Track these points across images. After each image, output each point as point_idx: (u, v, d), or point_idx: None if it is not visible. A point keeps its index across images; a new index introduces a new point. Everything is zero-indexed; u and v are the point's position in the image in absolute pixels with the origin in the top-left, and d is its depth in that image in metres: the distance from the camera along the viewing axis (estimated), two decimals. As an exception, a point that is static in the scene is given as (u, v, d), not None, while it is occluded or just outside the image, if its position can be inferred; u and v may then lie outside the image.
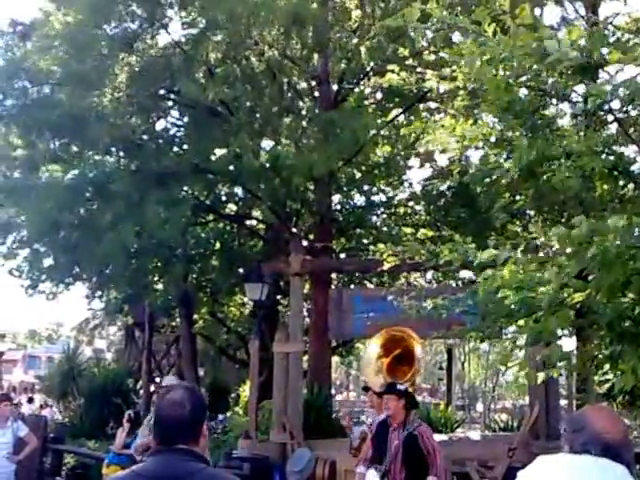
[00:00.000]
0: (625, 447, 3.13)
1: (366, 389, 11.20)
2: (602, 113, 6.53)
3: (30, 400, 33.37)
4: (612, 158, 6.00)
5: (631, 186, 6.90)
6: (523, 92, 6.69)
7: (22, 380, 61.77)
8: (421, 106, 19.05)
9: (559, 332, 6.64)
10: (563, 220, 8.06)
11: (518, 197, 8.76)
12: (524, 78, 6.28)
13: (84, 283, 21.42)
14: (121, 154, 18.47)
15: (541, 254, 5.73)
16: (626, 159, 6.38)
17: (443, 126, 7.51)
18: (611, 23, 6.42)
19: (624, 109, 6.34)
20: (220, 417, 20.63)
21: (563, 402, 16.32)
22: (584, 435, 3.14)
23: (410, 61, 16.37)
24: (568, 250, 5.41)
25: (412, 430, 7.67)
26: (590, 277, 5.45)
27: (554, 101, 7.20)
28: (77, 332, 55.81)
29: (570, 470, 3.12)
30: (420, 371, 12.19)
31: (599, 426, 3.13)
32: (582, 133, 6.13)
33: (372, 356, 12.51)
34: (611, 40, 6.01)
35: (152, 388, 25.11)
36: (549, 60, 5.32)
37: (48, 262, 18.97)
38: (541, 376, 6.09)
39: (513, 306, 5.63)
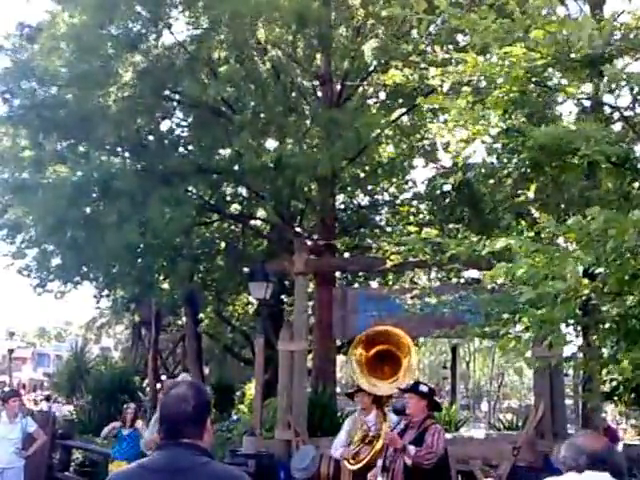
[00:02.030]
0: (608, 452, 3.69)
1: (349, 395, 11.07)
2: (609, 110, 6.47)
3: (48, 398, 33.83)
4: (619, 150, 5.92)
5: (637, 184, 6.82)
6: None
7: (31, 377, 61.99)
8: (426, 99, 18.96)
9: (564, 329, 6.57)
10: (568, 219, 7.99)
11: (522, 192, 8.70)
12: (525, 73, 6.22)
13: (92, 282, 21.40)
14: (127, 154, 18.42)
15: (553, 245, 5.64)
16: (634, 154, 6.30)
17: (446, 122, 7.44)
18: (616, 20, 6.33)
19: (630, 106, 6.28)
20: (234, 417, 20.59)
21: (569, 401, 16.22)
22: (574, 453, 3.69)
23: (413, 57, 16.28)
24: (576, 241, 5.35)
25: (423, 432, 7.59)
26: (597, 271, 5.38)
27: (560, 99, 7.15)
28: (85, 330, 56.03)
29: None
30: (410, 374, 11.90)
31: (584, 442, 3.75)
32: (589, 127, 6.04)
33: (353, 353, 12.33)
34: (617, 36, 5.96)
35: (158, 386, 25.14)
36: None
37: (56, 261, 18.96)
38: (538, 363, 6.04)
39: (523, 299, 5.53)
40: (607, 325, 6.44)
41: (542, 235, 6.34)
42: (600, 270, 5.30)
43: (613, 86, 5.47)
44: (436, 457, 7.45)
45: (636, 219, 4.63)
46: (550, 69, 5.95)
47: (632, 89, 6.09)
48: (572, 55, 5.32)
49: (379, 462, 8.21)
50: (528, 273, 5.27)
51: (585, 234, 4.95)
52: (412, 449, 7.40)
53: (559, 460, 3.81)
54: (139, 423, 13.16)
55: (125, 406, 13.68)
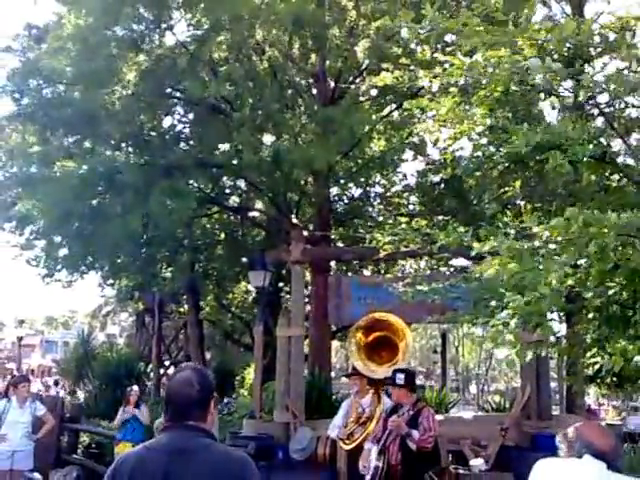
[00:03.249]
0: (615, 454, 3.59)
1: (347, 376, 11.15)
2: (588, 107, 6.50)
3: (56, 383, 34.14)
4: (598, 147, 5.96)
5: (616, 177, 6.87)
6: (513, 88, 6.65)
7: (40, 364, 62.01)
8: (414, 102, 18.96)
9: (549, 316, 6.61)
10: (552, 210, 8.03)
11: (508, 188, 8.72)
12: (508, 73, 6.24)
13: (97, 272, 21.46)
14: (130, 149, 18.42)
15: (536, 243, 5.66)
16: (613, 150, 6.35)
17: (434, 118, 7.47)
18: (596, 21, 6.36)
19: (610, 103, 6.32)
20: (225, 400, 20.58)
21: (553, 384, 16.25)
22: (579, 445, 3.61)
23: (403, 60, 16.30)
24: (559, 239, 5.38)
25: (416, 414, 7.66)
26: (580, 262, 5.41)
27: (542, 96, 7.17)
28: (91, 318, 56.11)
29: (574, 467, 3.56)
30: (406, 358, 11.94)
31: (592, 437, 3.61)
32: (570, 127, 6.09)
33: (353, 337, 12.36)
34: (597, 37, 5.99)
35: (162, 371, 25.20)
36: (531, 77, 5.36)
37: (63, 252, 18.98)
38: (530, 354, 6.07)
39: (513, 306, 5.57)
40: (590, 312, 6.48)
41: (525, 226, 6.37)
42: (582, 261, 5.33)
43: (592, 85, 5.51)
44: (434, 439, 7.56)
45: (614, 222, 4.66)
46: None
47: (617, 89, 6.13)
48: (555, 56, 5.37)
49: (366, 445, 8.29)
50: (515, 279, 5.31)
51: (566, 233, 4.98)
52: (416, 433, 7.49)
53: (561, 449, 3.72)
54: (142, 408, 13.25)
55: (129, 389, 13.72)
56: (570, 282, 5.41)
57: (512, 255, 5.33)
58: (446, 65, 6.38)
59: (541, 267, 5.22)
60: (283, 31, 16.71)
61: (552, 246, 5.34)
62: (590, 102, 6.27)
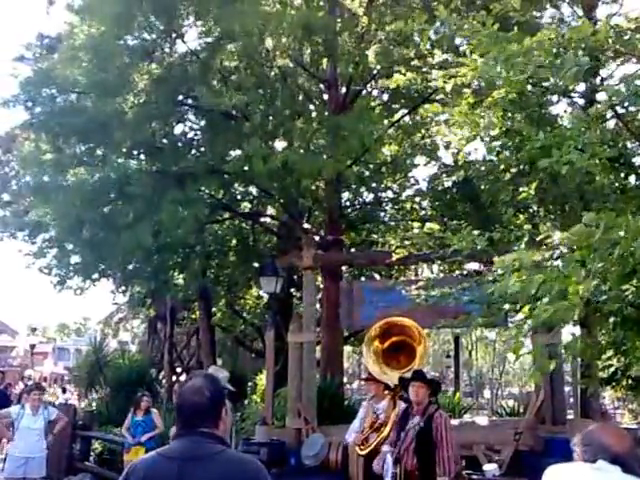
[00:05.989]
0: (632, 457, 3.37)
1: (365, 380, 11.11)
2: (602, 108, 6.43)
3: (64, 390, 34.30)
4: (614, 150, 5.89)
5: (632, 179, 6.79)
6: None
7: (52, 371, 62.11)
8: (426, 106, 18.90)
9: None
10: (565, 213, 7.97)
11: (521, 190, 8.66)
12: (524, 76, 6.17)
13: (109, 279, 21.50)
14: (142, 157, 18.45)
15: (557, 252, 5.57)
16: (628, 151, 6.28)
17: (447, 122, 7.42)
18: (609, 23, 6.29)
19: (624, 105, 6.25)
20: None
21: (567, 388, 16.11)
22: (594, 449, 3.38)
23: (416, 62, 16.26)
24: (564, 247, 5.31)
25: (429, 419, 7.56)
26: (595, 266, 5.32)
27: (555, 98, 7.12)
28: (103, 325, 56.04)
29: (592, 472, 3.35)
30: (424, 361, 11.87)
31: (607, 440, 3.40)
32: (583, 128, 6.01)
33: (368, 344, 12.30)
34: (611, 39, 5.93)
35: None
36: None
37: (75, 259, 19.00)
38: (552, 364, 5.97)
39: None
40: (604, 314, 6.41)
41: (540, 229, 6.30)
42: (598, 265, 5.25)
43: (609, 83, 5.46)
44: (450, 445, 7.41)
45: (637, 227, 4.58)
46: (546, 71, 5.93)
47: (628, 89, 6.06)
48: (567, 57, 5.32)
49: (384, 447, 8.21)
50: (530, 287, 5.22)
51: (587, 239, 4.89)
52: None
53: (576, 452, 3.53)
54: (154, 415, 13.28)
55: (140, 394, 13.73)
56: (587, 287, 5.32)
57: (534, 267, 5.24)
58: (459, 67, 6.32)
59: (565, 275, 5.12)
60: (293, 38, 16.70)
61: (566, 251, 5.27)
62: (604, 103, 6.20)
